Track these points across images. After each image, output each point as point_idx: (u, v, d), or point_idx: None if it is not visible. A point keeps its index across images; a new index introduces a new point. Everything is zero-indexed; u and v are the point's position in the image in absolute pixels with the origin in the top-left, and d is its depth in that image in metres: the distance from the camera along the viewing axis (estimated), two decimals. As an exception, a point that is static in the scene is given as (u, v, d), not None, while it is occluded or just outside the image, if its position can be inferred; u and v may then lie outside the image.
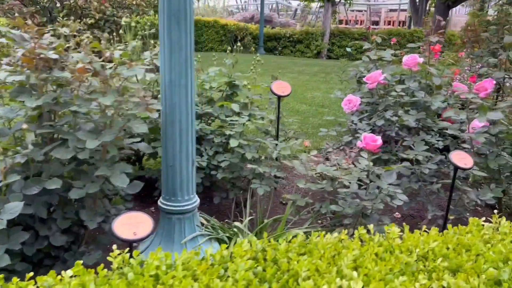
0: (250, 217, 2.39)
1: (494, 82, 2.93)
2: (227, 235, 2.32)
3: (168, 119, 1.93)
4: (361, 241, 1.70)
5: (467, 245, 1.71)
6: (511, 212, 3.23)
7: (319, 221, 2.57)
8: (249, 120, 2.68)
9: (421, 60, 3.22)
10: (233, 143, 2.51)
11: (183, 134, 1.95)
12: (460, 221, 2.70)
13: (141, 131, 1.75)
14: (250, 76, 3.20)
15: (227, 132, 2.53)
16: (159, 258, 1.42)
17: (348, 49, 11.32)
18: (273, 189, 2.67)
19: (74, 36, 2.21)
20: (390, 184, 2.29)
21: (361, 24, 23.19)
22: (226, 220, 2.51)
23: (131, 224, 1.73)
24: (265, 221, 2.44)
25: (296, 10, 24.80)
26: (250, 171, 2.55)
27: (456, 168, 2.44)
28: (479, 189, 2.79)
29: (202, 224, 2.27)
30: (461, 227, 1.83)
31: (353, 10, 24.61)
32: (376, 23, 23.78)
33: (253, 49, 14.88)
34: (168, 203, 2.04)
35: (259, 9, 22.09)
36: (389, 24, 23.12)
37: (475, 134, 2.71)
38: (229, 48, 3.40)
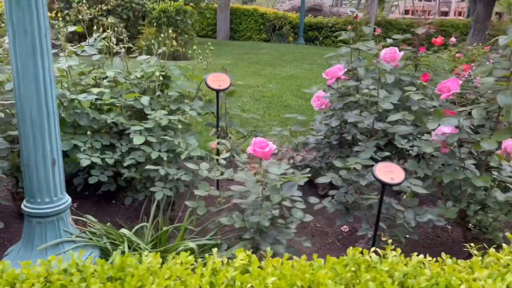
0: (142, 224, 2.16)
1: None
2: (117, 242, 2.11)
3: (20, 114, 1.74)
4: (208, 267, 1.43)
5: (319, 284, 1.39)
6: (484, 231, 2.74)
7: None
8: (167, 115, 2.43)
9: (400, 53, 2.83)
10: (137, 140, 2.29)
11: (36, 130, 1.75)
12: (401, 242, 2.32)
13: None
14: (198, 66, 2.96)
15: (132, 128, 2.31)
16: None
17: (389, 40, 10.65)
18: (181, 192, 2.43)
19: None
20: (294, 196, 1.97)
21: (429, 15, 21.92)
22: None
23: None
24: (164, 228, 2.21)
25: (360, -1, 23.82)
26: (157, 172, 2.32)
27: (383, 183, 2.06)
28: (430, 207, 2.37)
29: (80, 229, 2.08)
30: (330, 258, 1.50)
31: (421, 0, 23.35)
32: (446, 13, 22.45)
33: (291, 38, 14.42)
34: (27, 205, 1.85)
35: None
36: (459, 14, 21.68)
37: (425, 144, 2.29)
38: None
